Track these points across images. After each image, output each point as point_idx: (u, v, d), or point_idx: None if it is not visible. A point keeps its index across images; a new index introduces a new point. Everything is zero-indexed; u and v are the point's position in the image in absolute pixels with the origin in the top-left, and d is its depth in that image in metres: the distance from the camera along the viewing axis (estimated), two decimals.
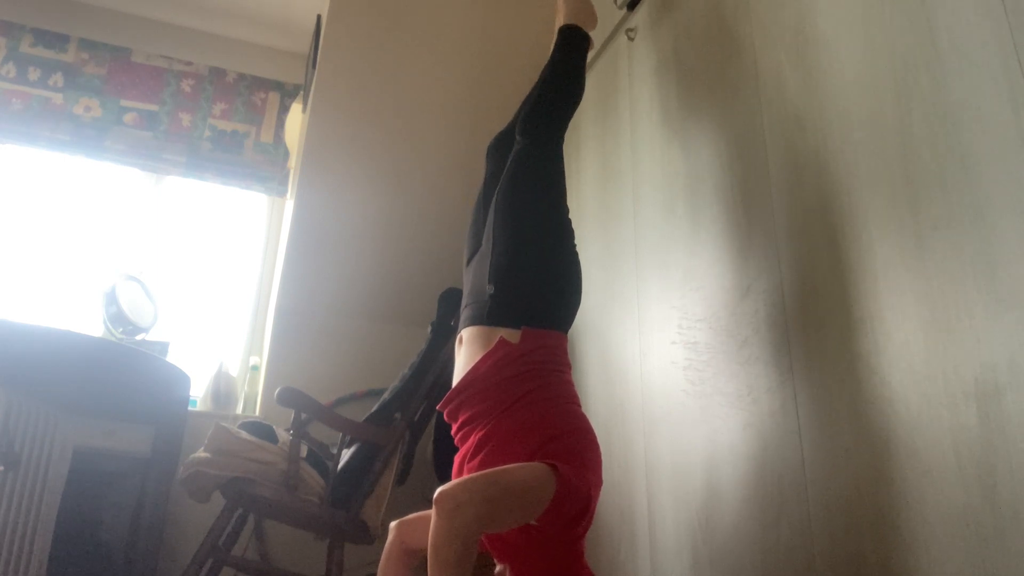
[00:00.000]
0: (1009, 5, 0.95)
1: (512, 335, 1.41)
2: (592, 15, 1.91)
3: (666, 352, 1.67)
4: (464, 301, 1.56)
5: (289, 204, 3.09)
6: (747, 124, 1.48)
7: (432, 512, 1.17)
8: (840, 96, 1.23)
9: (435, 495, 1.16)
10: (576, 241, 1.59)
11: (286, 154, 3.24)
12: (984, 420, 0.91)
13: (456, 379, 1.48)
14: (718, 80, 1.62)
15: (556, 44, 1.81)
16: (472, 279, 1.56)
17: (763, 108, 1.44)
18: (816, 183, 1.26)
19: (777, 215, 1.36)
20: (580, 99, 1.75)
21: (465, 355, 1.48)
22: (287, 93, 3.34)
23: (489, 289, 1.47)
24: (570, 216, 1.61)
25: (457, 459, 1.44)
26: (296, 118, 3.26)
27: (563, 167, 1.64)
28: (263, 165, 3.20)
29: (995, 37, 0.96)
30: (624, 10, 2.12)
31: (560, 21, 1.87)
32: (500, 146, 1.91)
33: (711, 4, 1.68)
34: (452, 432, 1.48)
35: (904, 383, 1.03)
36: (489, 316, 1.45)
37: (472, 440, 1.39)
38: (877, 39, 1.16)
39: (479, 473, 1.21)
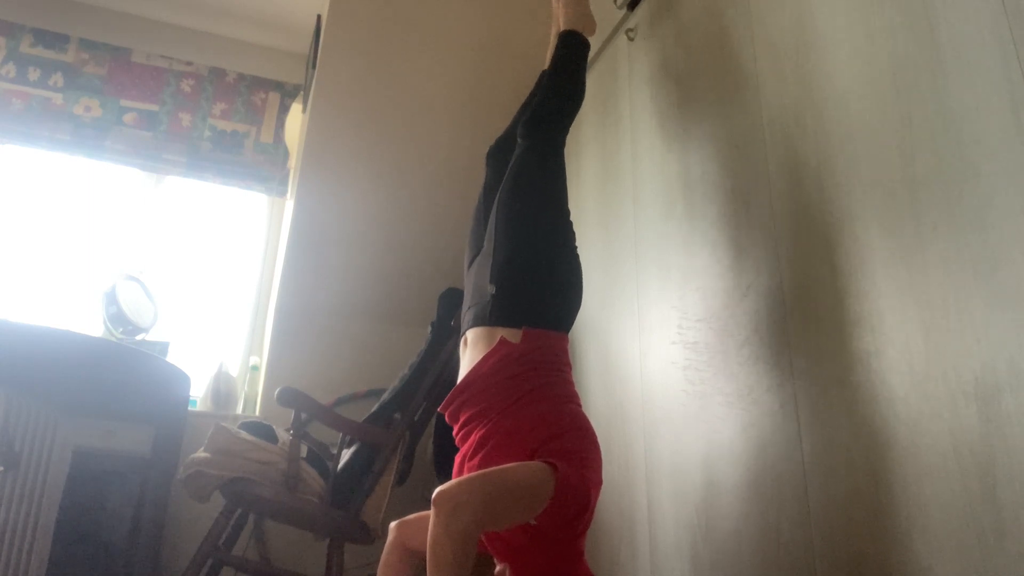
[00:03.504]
0: (1009, 5, 0.95)
1: (513, 335, 1.42)
2: (591, 21, 1.92)
3: (666, 352, 1.67)
4: (466, 303, 1.57)
5: (289, 204, 3.09)
6: (747, 124, 1.48)
7: (431, 513, 1.17)
8: (840, 97, 1.23)
9: (434, 495, 1.16)
10: (576, 242, 1.59)
11: (286, 154, 3.24)
12: (984, 420, 0.91)
13: (460, 380, 1.49)
14: (718, 80, 1.62)
15: (556, 49, 1.83)
16: (474, 281, 1.57)
17: (763, 108, 1.44)
18: (816, 183, 1.26)
19: (777, 215, 1.36)
20: (581, 103, 1.77)
21: (468, 356, 1.48)
22: (287, 93, 3.34)
23: (490, 289, 1.48)
24: (571, 218, 1.61)
25: (458, 459, 1.44)
26: (296, 118, 3.26)
27: (564, 170, 1.65)
28: (263, 165, 3.20)
29: (995, 37, 0.96)
30: (624, 10, 2.12)
31: (559, 27, 1.89)
32: (500, 150, 1.92)
33: (711, 4, 1.68)
34: (454, 432, 1.48)
35: (904, 383, 1.03)
36: (491, 316, 1.45)
37: (472, 439, 1.39)
38: (877, 39, 1.16)
39: (478, 472, 1.21)
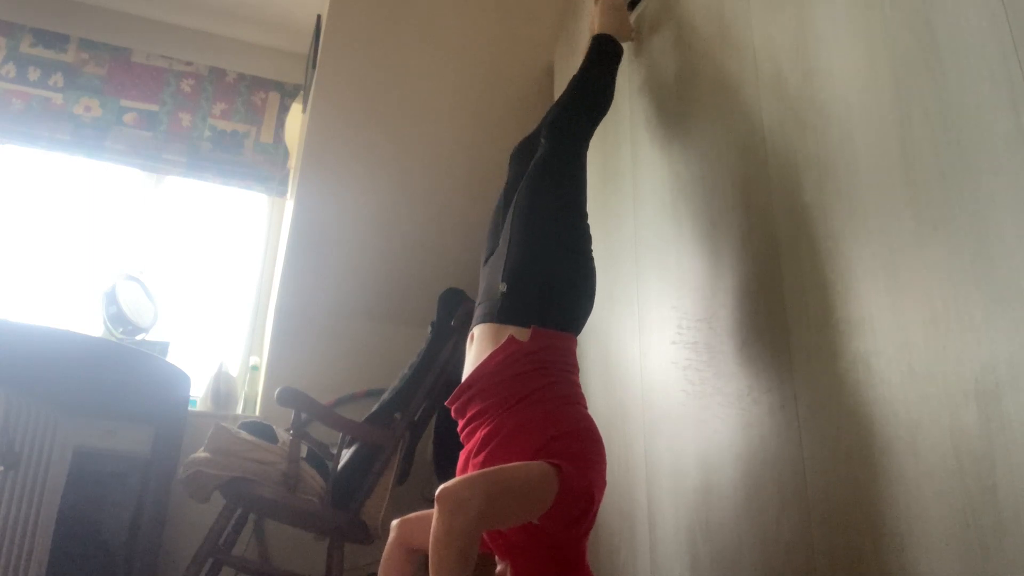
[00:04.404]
0: (1009, 5, 0.95)
1: (521, 333, 1.42)
2: (627, 27, 1.94)
3: (666, 352, 1.67)
4: (478, 300, 1.58)
5: (289, 204, 3.09)
6: (747, 124, 1.48)
7: (434, 510, 1.17)
8: (840, 96, 1.23)
9: (437, 493, 1.16)
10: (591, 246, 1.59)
11: (286, 154, 3.24)
12: (984, 420, 0.91)
13: (465, 376, 1.48)
14: (718, 79, 1.62)
15: (588, 52, 1.84)
16: (487, 278, 1.58)
17: (763, 108, 1.44)
18: (816, 183, 1.26)
19: (777, 215, 1.36)
20: (607, 108, 1.77)
21: (475, 352, 1.48)
22: (287, 93, 3.34)
23: (501, 287, 1.48)
24: (586, 217, 1.62)
25: (462, 456, 1.44)
26: (296, 118, 3.26)
27: (585, 173, 1.65)
28: (263, 165, 3.20)
29: (995, 37, 0.96)
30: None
31: (594, 30, 1.90)
32: (523, 151, 1.93)
33: (711, 3, 1.68)
34: (459, 429, 1.48)
35: (904, 383, 1.03)
36: (500, 314, 1.45)
37: (477, 437, 1.39)
38: (877, 39, 1.16)
39: (481, 471, 1.21)
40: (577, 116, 1.70)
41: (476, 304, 1.57)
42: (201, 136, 3.14)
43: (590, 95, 1.74)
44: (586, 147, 1.69)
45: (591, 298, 1.53)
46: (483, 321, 1.49)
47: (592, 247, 1.59)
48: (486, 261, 1.65)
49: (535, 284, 1.47)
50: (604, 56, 1.81)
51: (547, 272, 1.48)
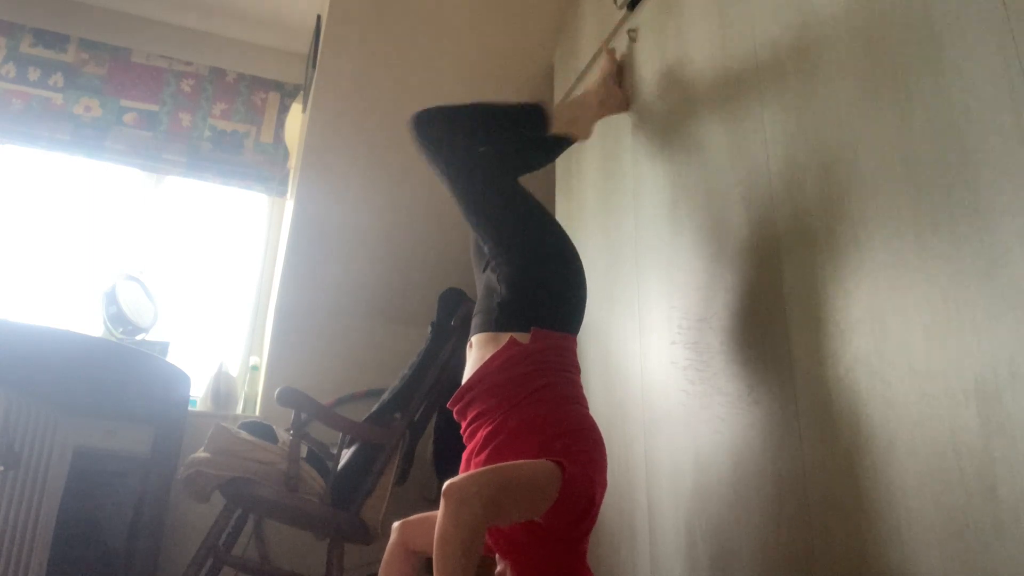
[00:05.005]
0: (1009, 5, 0.95)
1: (522, 336, 1.43)
2: (585, 128, 1.91)
3: (666, 352, 1.67)
4: (475, 309, 1.58)
5: (289, 204, 3.09)
6: (747, 124, 1.48)
7: (440, 504, 1.17)
8: (840, 95, 1.23)
9: (443, 487, 1.16)
10: (573, 242, 1.58)
11: (286, 154, 3.24)
12: (984, 420, 0.91)
13: (465, 379, 1.49)
14: (718, 80, 1.62)
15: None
16: (484, 286, 1.58)
17: (764, 107, 1.44)
18: (816, 182, 1.26)
19: (778, 214, 1.36)
20: (471, 131, 1.64)
21: (475, 356, 1.49)
22: (287, 93, 3.34)
23: (496, 297, 1.49)
24: (549, 217, 1.58)
25: (465, 455, 1.45)
26: (296, 118, 3.26)
27: (498, 177, 1.59)
28: (263, 165, 3.20)
29: (995, 37, 0.96)
30: (624, 10, 2.12)
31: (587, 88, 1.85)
32: None
33: (712, 4, 1.68)
34: (461, 430, 1.49)
35: (904, 383, 1.03)
36: (497, 322, 1.46)
37: (480, 435, 1.40)
38: (877, 39, 1.17)
39: (487, 467, 1.22)
40: (446, 121, 1.61)
41: (474, 314, 1.57)
42: (201, 136, 3.14)
43: (468, 110, 1.66)
44: (471, 151, 1.60)
45: (582, 293, 1.53)
46: (481, 330, 1.49)
47: (572, 243, 1.56)
48: (484, 270, 1.66)
49: (531, 289, 1.48)
50: (523, 108, 1.75)
51: (540, 276, 1.49)
